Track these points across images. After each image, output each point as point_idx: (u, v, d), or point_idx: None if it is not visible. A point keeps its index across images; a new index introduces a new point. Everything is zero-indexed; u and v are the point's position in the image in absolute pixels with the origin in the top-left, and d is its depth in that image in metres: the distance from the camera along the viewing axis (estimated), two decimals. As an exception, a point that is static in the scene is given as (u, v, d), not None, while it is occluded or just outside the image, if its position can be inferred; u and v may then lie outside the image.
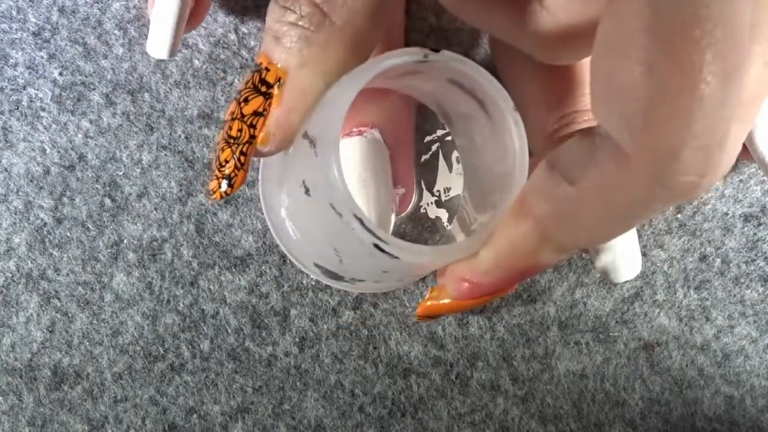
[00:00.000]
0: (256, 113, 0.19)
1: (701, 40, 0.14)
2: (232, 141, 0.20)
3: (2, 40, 0.29)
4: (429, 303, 0.20)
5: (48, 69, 0.29)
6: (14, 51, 0.29)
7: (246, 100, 0.20)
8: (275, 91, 0.19)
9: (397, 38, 0.27)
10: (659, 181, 0.15)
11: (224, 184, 0.20)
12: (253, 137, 0.20)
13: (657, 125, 0.14)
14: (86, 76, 0.29)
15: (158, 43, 0.24)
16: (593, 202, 0.16)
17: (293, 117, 0.19)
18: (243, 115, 0.20)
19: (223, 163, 0.20)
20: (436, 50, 0.20)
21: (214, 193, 0.20)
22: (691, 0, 0.13)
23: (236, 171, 0.20)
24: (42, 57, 0.29)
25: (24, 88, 0.29)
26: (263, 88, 0.19)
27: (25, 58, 0.29)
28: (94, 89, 0.29)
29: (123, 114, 0.29)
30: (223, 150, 0.20)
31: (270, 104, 0.19)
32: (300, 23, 0.19)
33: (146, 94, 0.29)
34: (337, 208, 0.19)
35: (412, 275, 0.25)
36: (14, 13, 0.29)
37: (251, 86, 0.19)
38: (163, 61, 0.29)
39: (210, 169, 0.21)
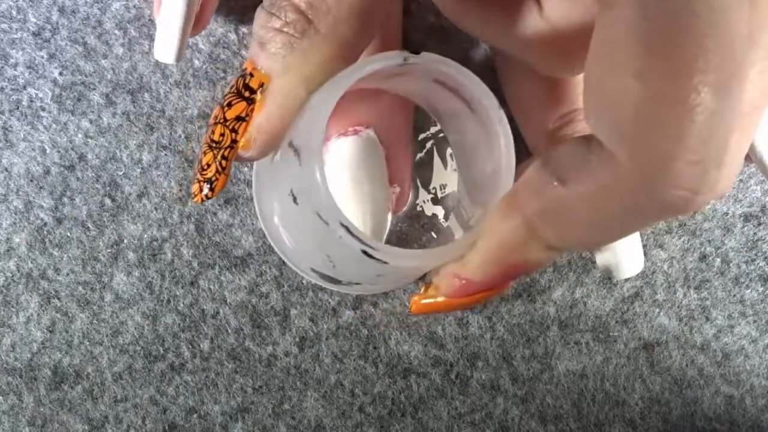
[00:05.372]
0: (238, 118, 0.20)
1: (691, 49, 0.13)
2: (214, 145, 0.20)
3: (2, 40, 0.29)
4: (423, 301, 0.20)
5: (48, 69, 0.29)
6: (14, 51, 0.29)
7: (229, 105, 0.20)
8: (258, 96, 0.19)
9: (394, 38, 0.27)
10: (649, 193, 0.15)
11: (206, 187, 0.20)
12: (234, 142, 0.20)
13: (648, 135, 0.14)
14: (86, 76, 0.29)
15: (165, 48, 0.25)
16: (582, 205, 0.16)
17: (275, 123, 0.19)
18: (225, 120, 0.20)
19: (205, 167, 0.20)
20: (416, 52, 0.20)
21: (196, 196, 0.20)
22: (680, 8, 0.13)
23: (217, 175, 0.20)
24: (42, 57, 0.29)
25: (24, 87, 0.29)
26: (246, 93, 0.19)
27: (26, 58, 0.29)
28: (94, 89, 0.29)
29: (123, 114, 0.29)
30: (205, 154, 0.20)
31: (252, 109, 0.19)
32: (285, 29, 0.19)
33: (146, 94, 0.29)
34: (323, 216, 0.19)
35: (409, 276, 0.25)
36: (14, 13, 0.29)
37: (235, 91, 0.20)
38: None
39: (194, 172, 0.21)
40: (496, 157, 0.21)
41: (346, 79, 0.19)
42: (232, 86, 0.20)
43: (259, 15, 0.19)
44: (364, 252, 0.19)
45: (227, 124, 0.20)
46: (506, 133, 0.20)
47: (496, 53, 0.27)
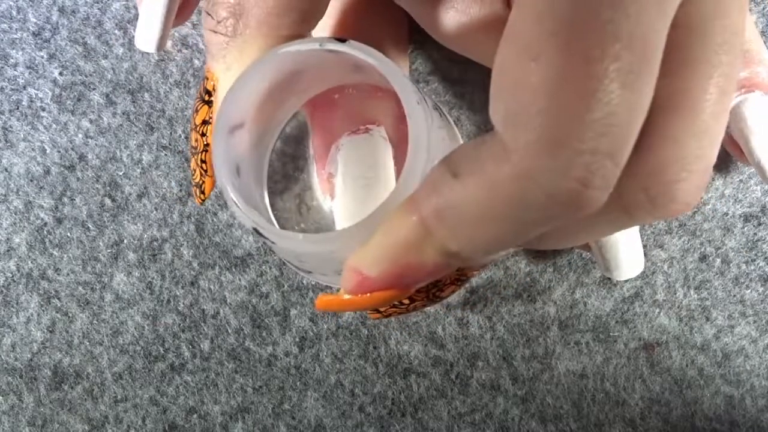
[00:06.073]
0: (204, 122, 0.20)
1: (592, 34, 0.13)
2: (193, 151, 0.20)
3: (2, 40, 0.29)
4: (328, 297, 0.19)
5: (48, 69, 0.29)
6: (14, 51, 0.29)
7: (196, 110, 0.20)
8: (214, 98, 0.19)
9: (400, 38, 0.27)
10: (536, 182, 0.14)
11: (197, 191, 0.20)
12: (207, 145, 0.20)
13: (540, 120, 0.13)
14: (86, 76, 0.29)
15: (146, 36, 0.25)
16: (472, 198, 0.15)
17: None
18: (196, 125, 0.20)
19: (193, 172, 0.20)
20: (343, 40, 0.19)
21: (195, 198, 0.21)
22: None
23: (202, 178, 0.20)
24: (42, 57, 0.29)
25: (24, 88, 0.29)
26: (206, 97, 0.20)
27: (26, 58, 0.29)
28: (94, 89, 0.29)
29: (123, 114, 0.29)
30: (191, 159, 0.21)
31: (212, 111, 0.20)
32: (218, 29, 0.19)
33: (146, 93, 0.29)
34: (223, 193, 0.19)
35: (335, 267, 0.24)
36: (14, 13, 0.29)
37: (199, 96, 0.20)
38: (163, 60, 0.29)
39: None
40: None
41: (254, 68, 0.19)
42: (197, 92, 0.20)
43: (203, 16, 0.19)
44: (255, 229, 0.19)
45: (197, 129, 0.20)
46: (414, 128, 0.19)
47: None
